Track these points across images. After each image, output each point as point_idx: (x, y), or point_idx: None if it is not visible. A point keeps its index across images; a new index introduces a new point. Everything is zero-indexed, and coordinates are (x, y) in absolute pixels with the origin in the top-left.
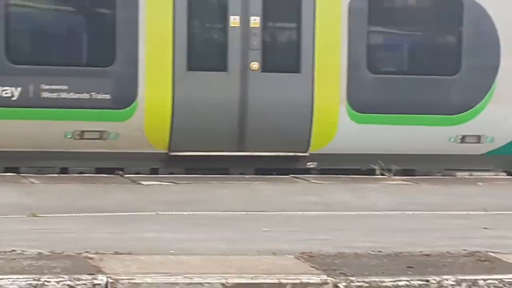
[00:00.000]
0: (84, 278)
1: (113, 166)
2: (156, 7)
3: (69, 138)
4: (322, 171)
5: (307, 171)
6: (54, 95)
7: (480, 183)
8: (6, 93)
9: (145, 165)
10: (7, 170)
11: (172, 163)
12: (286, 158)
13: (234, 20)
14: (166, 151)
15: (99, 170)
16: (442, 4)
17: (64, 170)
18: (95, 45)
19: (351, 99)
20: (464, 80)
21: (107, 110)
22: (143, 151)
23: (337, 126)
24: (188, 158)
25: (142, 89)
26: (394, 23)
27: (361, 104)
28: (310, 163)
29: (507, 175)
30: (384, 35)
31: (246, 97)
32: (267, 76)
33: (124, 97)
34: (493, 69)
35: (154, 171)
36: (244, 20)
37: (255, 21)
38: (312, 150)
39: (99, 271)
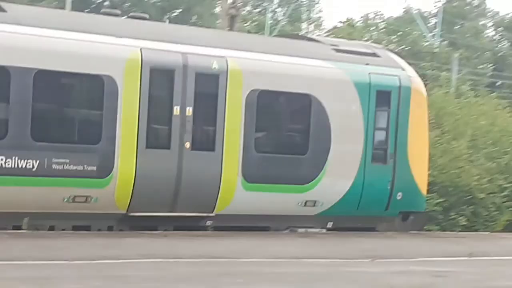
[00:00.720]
0: None
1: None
2: (128, 100)
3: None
4: (216, 228)
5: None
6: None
7: None
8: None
9: (106, 223)
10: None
11: (125, 222)
12: (196, 217)
13: (176, 109)
14: (125, 212)
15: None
16: (297, 102)
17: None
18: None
19: (244, 171)
20: (310, 158)
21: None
22: (111, 212)
23: (234, 192)
24: (135, 218)
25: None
26: (274, 116)
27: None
28: (209, 222)
29: (327, 230)
30: (259, 123)
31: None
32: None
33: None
34: (326, 151)
35: (110, 229)
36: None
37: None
38: (217, 211)
39: None
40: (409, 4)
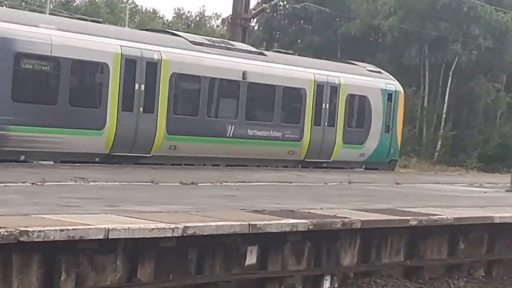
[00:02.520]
0: None
1: None
2: None
3: None
4: None
5: None
6: None
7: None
8: None
9: None
10: None
11: None
12: None
13: None
14: None
15: None
16: (355, 99)
17: None
18: None
19: None
20: (364, 130)
21: None
22: None
23: None
24: None
25: None
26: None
27: None
28: None
29: (365, 168)
30: None
31: None
32: None
33: None
34: (369, 125)
35: None
36: None
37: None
38: None
39: None
40: None
